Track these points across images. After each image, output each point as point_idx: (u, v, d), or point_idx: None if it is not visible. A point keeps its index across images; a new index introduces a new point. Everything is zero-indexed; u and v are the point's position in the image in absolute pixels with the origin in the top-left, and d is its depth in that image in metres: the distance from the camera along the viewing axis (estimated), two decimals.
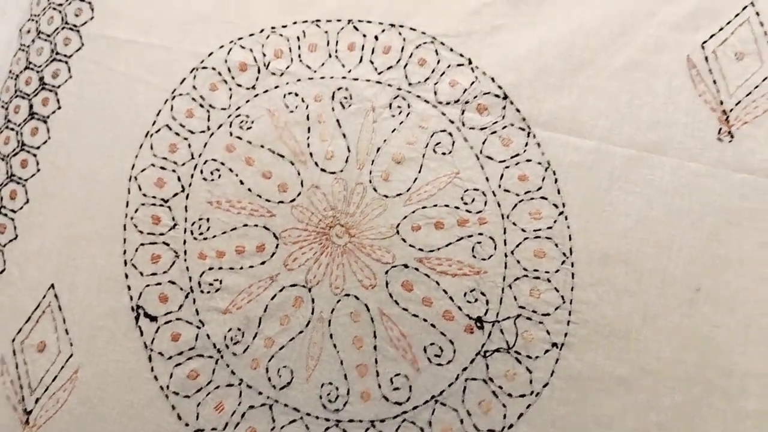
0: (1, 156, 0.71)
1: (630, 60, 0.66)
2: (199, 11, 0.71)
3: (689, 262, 0.61)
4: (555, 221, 0.63)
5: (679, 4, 0.67)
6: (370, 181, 0.65)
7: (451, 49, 0.68)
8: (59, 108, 0.70)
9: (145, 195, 0.66)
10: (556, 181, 0.64)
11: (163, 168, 0.67)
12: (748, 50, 0.66)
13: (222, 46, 0.69)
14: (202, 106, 0.68)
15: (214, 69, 0.69)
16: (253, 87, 0.68)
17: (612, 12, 0.68)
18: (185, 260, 0.64)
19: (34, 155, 0.70)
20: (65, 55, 0.72)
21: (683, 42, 0.67)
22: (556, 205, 0.63)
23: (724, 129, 0.64)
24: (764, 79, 0.65)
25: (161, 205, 0.66)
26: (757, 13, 0.67)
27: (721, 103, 0.65)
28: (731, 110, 0.65)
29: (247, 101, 0.68)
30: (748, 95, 0.65)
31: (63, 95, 0.71)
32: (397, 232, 0.64)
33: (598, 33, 0.67)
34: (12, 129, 0.72)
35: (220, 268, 0.64)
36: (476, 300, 0.62)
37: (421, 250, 0.63)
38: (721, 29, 0.67)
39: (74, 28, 0.73)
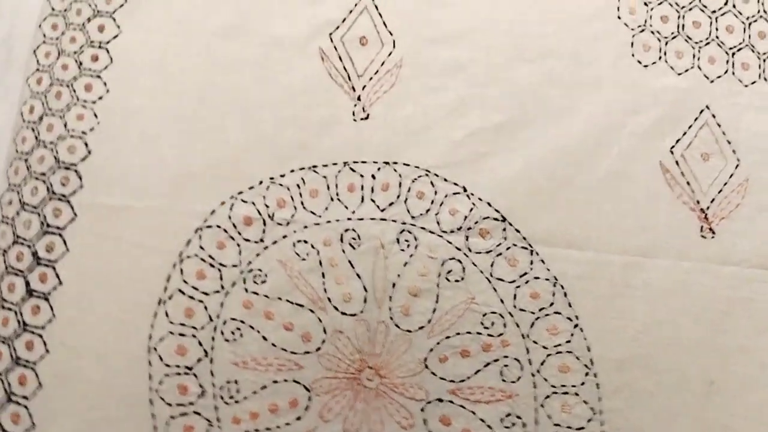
0: (1, 338, 0.69)
1: (608, 171, 0.72)
2: (192, 170, 0.71)
3: (699, 356, 0.66)
4: (572, 334, 0.67)
5: (645, 114, 0.74)
6: (391, 318, 0.67)
7: (445, 179, 0.72)
8: (60, 284, 0.69)
9: (167, 365, 0.65)
10: (565, 294, 0.68)
11: (182, 335, 0.66)
12: (711, 150, 0.73)
13: (223, 203, 0.70)
14: (212, 265, 0.68)
15: (219, 227, 0.69)
16: (261, 240, 0.69)
17: (586, 128, 0.73)
18: (219, 427, 0.64)
19: (40, 335, 0.68)
20: (58, 227, 0.71)
21: (653, 149, 0.73)
22: (570, 319, 0.67)
23: (705, 226, 0.70)
24: (731, 176, 0.72)
25: (186, 374, 0.65)
26: (713, 115, 0.74)
27: (698, 202, 0.71)
28: (708, 208, 0.71)
29: (258, 255, 0.68)
30: (719, 192, 0.72)
31: (62, 270, 0.69)
32: (426, 366, 0.66)
33: (575, 150, 0.73)
34: (9, 309, 0.69)
35: (257, 431, 0.64)
36: (513, 424, 0.64)
37: (452, 381, 0.65)
38: (684, 134, 0.73)
39: (63, 198, 0.72)
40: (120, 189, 0.71)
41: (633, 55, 0.76)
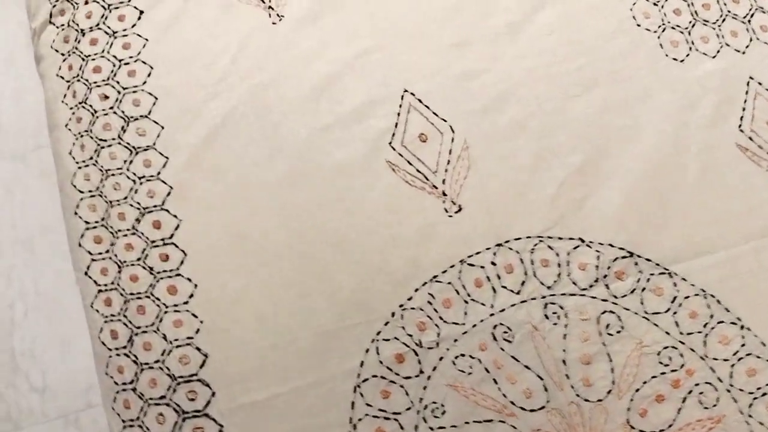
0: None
1: (697, 171, 0.73)
2: (322, 330, 0.67)
3: None
4: (743, 336, 0.67)
5: (701, 105, 0.76)
6: (578, 395, 0.65)
7: (560, 238, 0.71)
8: None
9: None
10: (719, 302, 0.68)
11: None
12: None
13: (368, 350, 0.66)
14: (387, 418, 0.65)
15: (375, 376, 0.66)
16: (421, 371, 0.66)
17: (657, 140, 0.74)
18: None
19: None
20: None
21: (724, 134, 0.75)
22: (734, 323, 0.68)
23: None
24: None
25: None
26: (759, 83, 0.77)
27: None
28: None
29: (425, 388, 0.66)
30: None
31: None
32: (632, 426, 0.65)
33: (659, 163, 0.73)
34: None
35: None
36: None
37: (662, 431, 0.64)
38: (743, 109, 0.76)
39: (199, 414, 0.66)
40: (257, 382, 0.66)
41: (666, 55, 0.78)
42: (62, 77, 0.78)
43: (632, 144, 0.74)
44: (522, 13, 0.78)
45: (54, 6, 0.80)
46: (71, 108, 0.76)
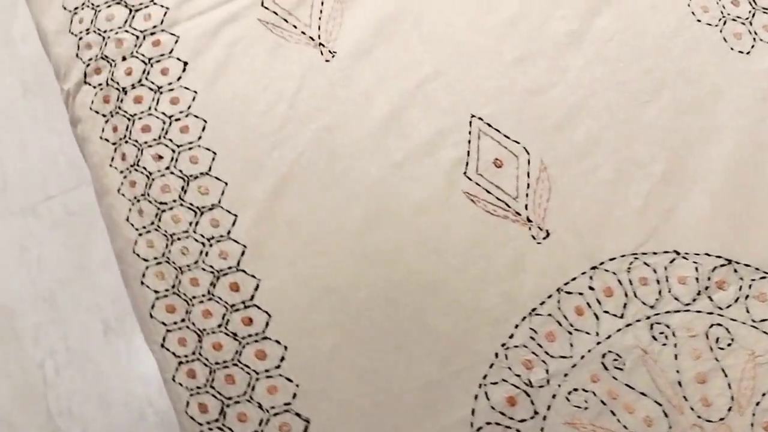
0: None
1: None
2: (429, 380, 0.64)
3: None
4: None
5: None
6: (699, 417, 0.63)
7: (655, 253, 0.68)
8: None
9: None
10: None
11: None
12: None
13: (476, 396, 0.63)
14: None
15: (489, 422, 0.63)
16: (536, 412, 0.63)
17: (738, 138, 0.71)
18: None
19: None
20: None
21: None
22: None
23: None
24: None
25: None
26: None
27: None
28: None
29: (542, 429, 0.63)
30: None
31: None
32: None
33: (744, 162, 0.71)
34: None
35: None
36: None
37: None
38: None
39: None
40: None
41: (732, 49, 0.75)
42: (107, 140, 0.73)
43: (712, 145, 0.71)
44: (579, 20, 0.75)
45: (88, 65, 0.75)
46: (122, 172, 0.72)
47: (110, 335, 1.39)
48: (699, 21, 0.76)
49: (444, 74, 0.73)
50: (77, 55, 0.76)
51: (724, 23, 0.76)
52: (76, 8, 0.77)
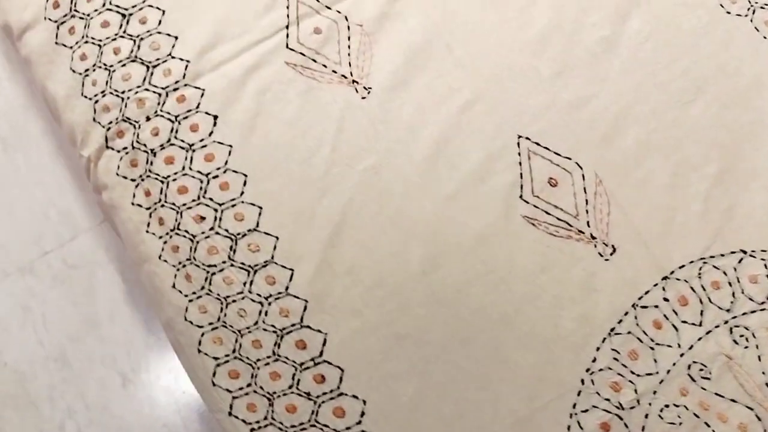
0: None
1: None
2: (518, 416, 0.62)
3: None
4: None
5: None
6: None
7: (722, 255, 0.67)
8: None
9: None
10: None
11: None
12: None
13: (569, 428, 0.62)
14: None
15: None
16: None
17: None
18: None
19: None
20: None
21: None
22: None
23: None
24: None
25: None
26: None
27: None
28: None
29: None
30: None
31: None
32: None
33: None
34: None
35: None
36: None
37: None
38: None
39: None
40: None
41: (765, 37, 0.74)
42: (140, 205, 0.70)
43: (762, 138, 0.70)
44: (611, 25, 0.73)
45: (108, 129, 0.71)
46: (161, 237, 0.69)
47: (129, 387, 1.35)
48: (729, 13, 0.75)
49: (484, 97, 0.70)
50: (95, 120, 0.72)
51: (753, 12, 0.75)
52: (87, 70, 0.73)
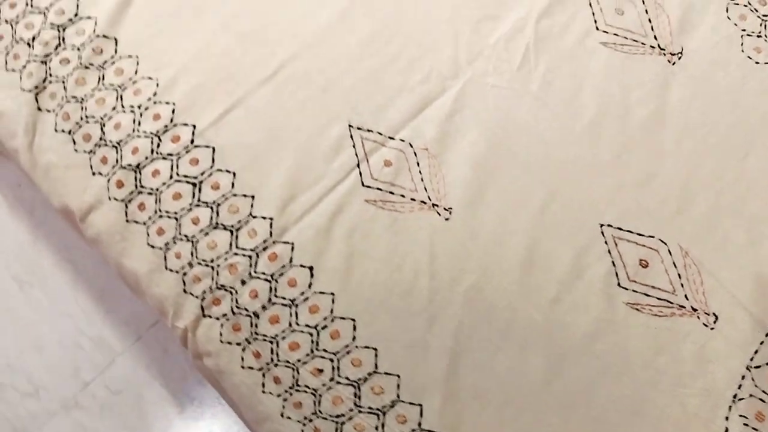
0: None
1: None
2: None
3: None
4: None
5: None
6: None
7: None
8: None
9: None
10: None
11: None
12: None
13: None
14: None
15: None
16: None
17: None
18: None
19: None
20: None
21: None
22: None
23: None
24: None
25: None
26: None
27: None
28: None
29: None
30: None
31: None
32: None
33: None
34: None
35: None
36: None
37: None
38: None
39: None
40: None
41: None
42: (251, 367, 0.70)
43: None
44: (655, 99, 0.77)
45: (203, 299, 0.71)
46: (280, 395, 0.69)
47: None
48: (757, 63, 0.79)
49: (557, 194, 0.73)
50: (185, 291, 0.72)
51: None
52: (167, 244, 0.73)
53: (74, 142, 0.77)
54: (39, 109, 0.78)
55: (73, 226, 0.83)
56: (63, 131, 0.77)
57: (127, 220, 0.75)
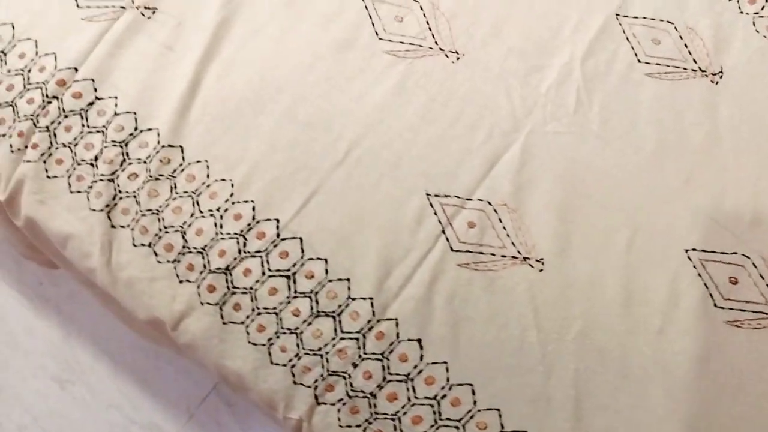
0: None
1: None
2: None
3: None
4: None
5: None
6: None
7: None
8: None
9: None
10: None
11: None
12: None
13: None
14: None
15: None
16: None
17: None
18: None
19: None
20: None
21: None
22: None
23: None
24: None
25: None
26: None
27: None
28: None
29: None
30: None
31: None
32: None
33: None
34: None
35: None
36: None
37: None
38: None
39: None
40: None
41: None
42: None
43: None
44: (707, 120, 0.80)
45: (315, 388, 0.72)
46: None
47: None
48: None
49: (640, 228, 0.75)
50: (295, 383, 0.73)
51: None
52: (270, 339, 0.74)
53: (156, 254, 0.77)
54: (113, 226, 0.79)
55: (157, 335, 0.83)
56: (143, 245, 0.78)
57: (223, 323, 0.75)
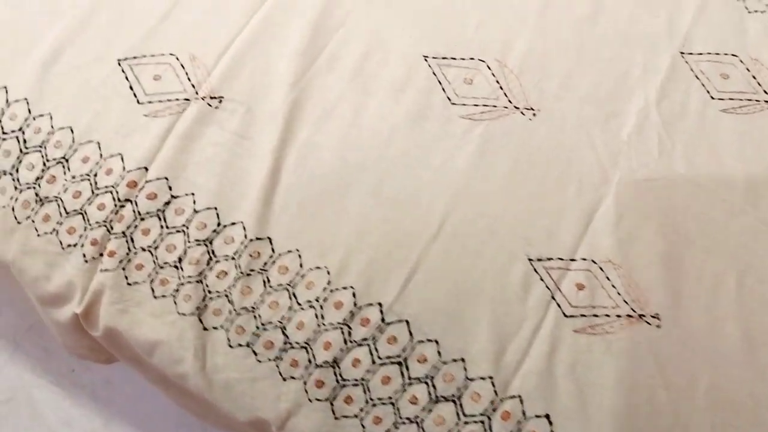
0: None
1: None
2: None
3: None
4: None
5: None
6: None
7: None
8: None
9: None
10: None
11: None
12: None
13: None
14: None
15: None
16: None
17: None
18: None
19: None
20: None
21: None
22: None
23: None
24: None
25: None
26: None
27: None
28: None
29: None
30: None
31: None
32: None
33: None
34: None
35: None
36: None
37: None
38: None
39: None
40: None
41: None
42: None
43: None
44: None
45: None
46: None
47: None
48: None
49: (748, 269, 0.74)
50: None
51: None
52: (388, 430, 0.70)
53: (255, 353, 0.74)
54: (205, 329, 0.75)
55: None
56: (240, 345, 0.74)
57: (335, 417, 0.72)
